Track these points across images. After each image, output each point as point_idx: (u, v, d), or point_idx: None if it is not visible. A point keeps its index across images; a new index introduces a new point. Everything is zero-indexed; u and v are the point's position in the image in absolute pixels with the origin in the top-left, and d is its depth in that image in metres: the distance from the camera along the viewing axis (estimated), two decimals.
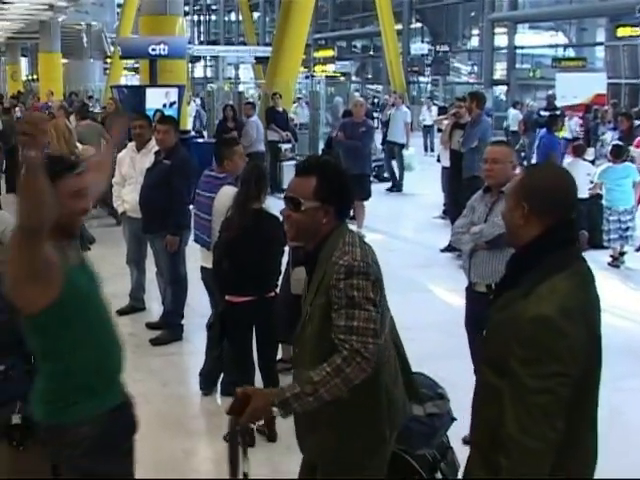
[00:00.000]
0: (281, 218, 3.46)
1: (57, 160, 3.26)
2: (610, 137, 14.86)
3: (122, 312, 8.26)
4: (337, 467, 3.21)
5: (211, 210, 6.15)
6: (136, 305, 8.40)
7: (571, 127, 19.56)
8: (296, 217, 3.11)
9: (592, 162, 13.10)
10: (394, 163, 16.82)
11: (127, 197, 8.00)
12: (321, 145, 16.93)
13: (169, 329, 7.54)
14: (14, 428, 4.31)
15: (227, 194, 5.95)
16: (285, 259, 5.64)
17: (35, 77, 41.91)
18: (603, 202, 10.49)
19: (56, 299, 3.08)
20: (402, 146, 16.60)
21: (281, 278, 5.70)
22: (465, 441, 5.23)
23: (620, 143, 11.36)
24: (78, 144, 9.24)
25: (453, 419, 4.25)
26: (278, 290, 5.60)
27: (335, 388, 2.93)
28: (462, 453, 4.77)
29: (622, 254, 10.59)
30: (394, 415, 3.23)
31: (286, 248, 5.41)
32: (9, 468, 4.39)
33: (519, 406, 2.51)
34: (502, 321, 2.64)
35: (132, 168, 8.02)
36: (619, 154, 10.57)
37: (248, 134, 14.51)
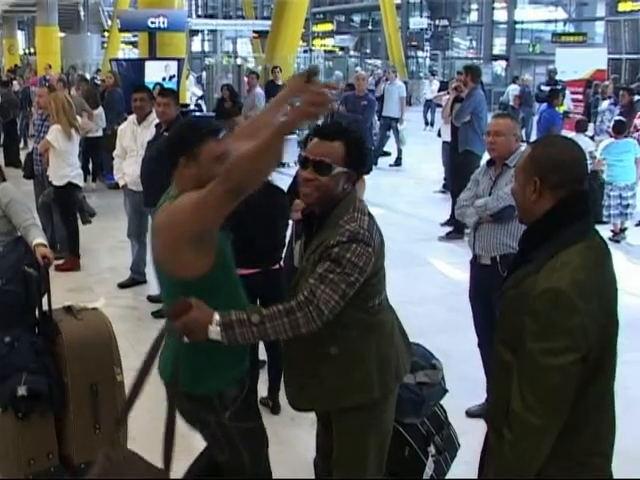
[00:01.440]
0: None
1: (201, 125, 3.23)
2: (609, 113, 14.85)
3: (123, 285, 8.32)
4: (339, 411, 3.27)
5: None
6: (137, 278, 8.41)
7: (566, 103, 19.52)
8: (324, 181, 3.09)
9: (591, 138, 13.09)
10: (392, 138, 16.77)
11: (128, 170, 7.99)
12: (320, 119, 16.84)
13: None
14: (20, 399, 4.35)
15: None
16: (288, 232, 5.63)
17: (32, 51, 41.71)
18: (604, 177, 10.48)
19: (211, 267, 3.07)
20: (397, 120, 16.55)
21: (284, 251, 5.70)
22: (469, 413, 5.31)
23: (622, 119, 11.35)
24: (78, 117, 9.17)
25: (445, 390, 4.25)
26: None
27: (280, 327, 2.92)
28: (466, 424, 4.85)
29: (623, 230, 10.60)
30: (385, 373, 3.26)
31: (289, 221, 5.41)
32: (15, 439, 4.42)
33: (526, 382, 2.50)
34: (515, 297, 2.60)
35: (133, 141, 8.01)
36: (621, 129, 10.56)
37: (255, 106, 14.39)
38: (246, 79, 15.83)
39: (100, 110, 13.08)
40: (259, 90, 14.85)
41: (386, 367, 3.27)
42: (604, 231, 10.29)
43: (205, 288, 3.04)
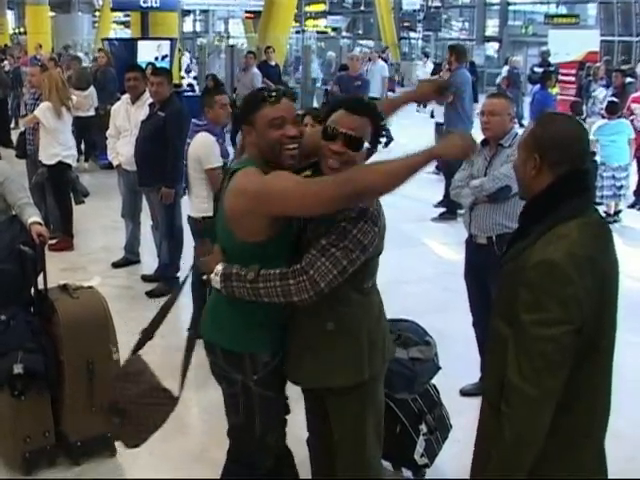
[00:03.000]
0: None
1: (255, 93, 3.23)
2: (602, 94, 14.83)
3: (117, 265, 8.33)
4: (335, 389, 3.29)
5: None
6: (131, 258, 8.41)
7: None
8: (352, 156, 3.07)
9: (584, 120, 13.08)
10: None
11: (122, 150, 7.97)
12: (314, 100, 16.84)
13: (165, 282, 7.55)
14: (16, 378, 4.36)
15: (198, 140, 6.09)
16: None
17: (22, 30, 41.36)
18: (597, 158, 10.50)
19: (269, 239, 3.09)
20: (378, 99, 16.52)
21: None
22: (463, 392, 5.34)
23: (615, 99, 11.35)
24: (73, 96, 9.12)
25: (438, 367, 4.28)
26: None
27: (273, 290, 2.99)
28: (459, 404, 4.88)
29: (617, 212, 10.64)
30: (373, 356, 3.28)
31: None
32: (11, 417, 4.43)
33: (521, 353, 2.52)
34: (512, 270, 2.63)
35: (127, 121, 7.98)
36: (614, 110, 10.57)
37: (253, 85, 14.24)
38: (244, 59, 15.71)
39: (91, 90, 12.99)
40: (256, 70, 14.77)
41: (375, 349, 3.29)
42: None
43: (254, 254, 3.11)
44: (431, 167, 13.27)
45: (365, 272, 3.17)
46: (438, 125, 12.53)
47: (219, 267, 3.10)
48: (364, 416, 3.31)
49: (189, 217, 6.34)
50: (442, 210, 10.81)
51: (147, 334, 3.57)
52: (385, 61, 24.07)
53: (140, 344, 3.59)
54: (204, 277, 3.22)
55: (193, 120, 6.60)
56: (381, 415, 3.44)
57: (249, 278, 3.01)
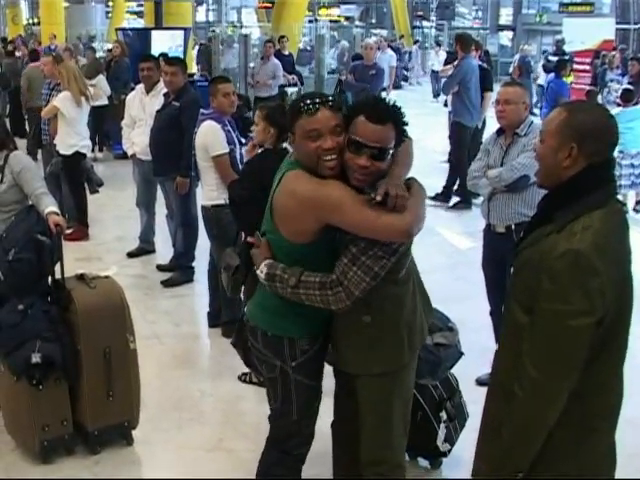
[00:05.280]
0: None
1: (296, 101, 3.20)
2: (617, 83, 14.77)
3: (132, 254, 8.35)
4: (369, 376, 3.33)
5: None
6: (146, 247, 8.44)
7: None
8: (379, 166, 3.05)
9: None
10: None
11: (136, 139, 7.98)
12: (326, 89, 16.77)
13: (180, 271, 7.57)
14: (34, 367, 4.38)
15: (203, 128, 6.11)
16: None
17: (36, 20, 41.40)
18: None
19: (311, 242, 3.14)
20: (385, 89, 16.46)
21: None
22: (479, 382, 5.33)
23: (630, 87, 11.28)
24: (90, 88, 9.11)
25: (461, 353, 4.28)
26: None
27: (313, 298, 3.11)
28: (475, 393, 4.87)
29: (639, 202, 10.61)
30: (412, 338, 3.33)
31: None
32: (29, 406, 4.45)
33: (539, 340, 2.52)
34: (532, 256, 2.61)
35: (141, 110, 7.99)
36: (629, 98, 10.52)
37: (277, 75, 14.28)
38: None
39: (99, 78, 12.87)
40: (275, 60, 14.66)
41: (413, 331, 3.33)
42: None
43: (298, 252, 3.17)
44: (445, 156, 13.31)
45: (398, 264, 3.18)
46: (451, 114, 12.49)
47: (264, 266, 3.19)
48: (391, 399, 3.34)
49: (202, 206, 6.35)
50: (457, 199, 10.80)
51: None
52: (395, 50, 24.05)
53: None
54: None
55: (201, 110, 6.62)
56: (409, 399, 3.48)
57: (291, 284, 3.11)
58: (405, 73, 29.91)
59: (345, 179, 3.10)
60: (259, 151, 5.16)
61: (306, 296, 3.10)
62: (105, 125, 13.60)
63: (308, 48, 24.55)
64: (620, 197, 10.13)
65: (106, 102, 12.97)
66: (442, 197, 10.80)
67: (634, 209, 10.44)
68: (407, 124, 3.13)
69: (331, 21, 37.61)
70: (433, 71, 25.69)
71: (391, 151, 3.09)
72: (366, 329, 3.24)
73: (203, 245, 7.27)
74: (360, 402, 3.39)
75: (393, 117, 3.08)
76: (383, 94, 16.20)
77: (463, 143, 10.69)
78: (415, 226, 3.04)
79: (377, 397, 3.34)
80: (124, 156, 9.71)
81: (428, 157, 13.96)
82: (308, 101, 3.10)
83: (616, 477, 2.81)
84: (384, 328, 3.25)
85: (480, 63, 11.24)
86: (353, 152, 3.03)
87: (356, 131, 3.04)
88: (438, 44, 31.30)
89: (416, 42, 35.03)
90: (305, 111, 3.08)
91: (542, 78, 19.07)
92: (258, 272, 3.21)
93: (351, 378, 3.40)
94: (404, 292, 3.29)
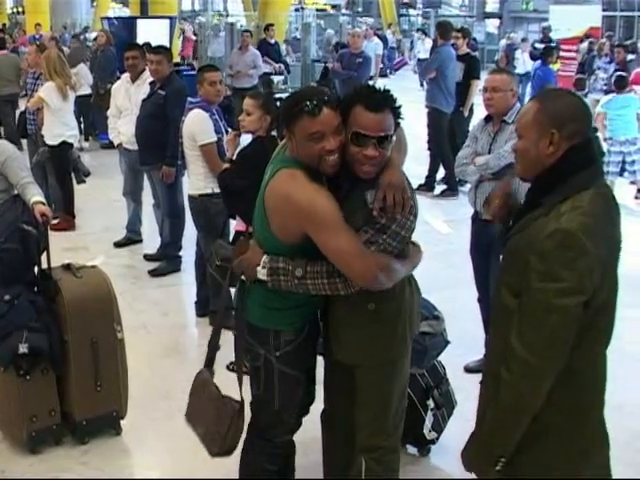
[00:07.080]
0: None
1: (295, 100, 3.10)
2: (603, 71, 14.79)
3: (118, 244, 8.34)
4: (370, 365, 3.34)
5: None
6: (133, 237, 8.42)
7: (524, 60, 19.60)
8: (384, 154, 3.04)
9: (585, 96, 13.03)
10: None
11: (123, 129, 7.95)
12: (312, 77, 16.76)
13: (167, 260, 7.56)
14: (21, 357, 4.36)
15: (191, 117, 6.10)
16: None
17: (20, 10, 41.09)
18: (600, 135, 10.44)
19: (302, 242, 3.11)
20: (371, 77, 16.46)
21: None
22: (467, 369, 5.35)
23: (623, 74, 11.31)
24: (73, 77, 9.03)
25: (447, 342, 4.29)
26: None
27: (320, 286, 3.09)
28: (464, 381, 4.89)
29: None
30: (412, 327, 3.38)
31: None
32: (16, 397, 4.44)
33: (528, 321, 2.52)
34: (521, 241, 2.61)
35: (127, 100, 7.97)
36: (622, 84, 10.55)
37: (257, 65, 14.25)
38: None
39: (80, 67, 12.69)
40: (254, 50, 14.62)
41: (412, 319, 3.37)
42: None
43: (291, 251, 3.13)
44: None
45: (400, 254, 3.18)
46: None
47: (265, 259, 3.13)
48: (391, 385, 3.37)
49: (189, 196, 6.32)
50: (443, 187, 10.82)
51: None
52: (381, 38, 24.01)
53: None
54: (242, 277, 3.29)
55: (189, 99, 6.58)
56: (406, 385, 3.51)
57: (297, 275, 3.07)
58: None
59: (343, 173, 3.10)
60: (250, 139, 5.14)
61: (313, 286, 3.08)
62: (90, 114, 13.51)
63: (298, 36, 24.50)
64: (608, 183, 10.26)
65: (89, 91, 12.87)
66: (425, 187, 10.82)
67: (635, 197, 10.48)
68: (401, 107, 3.11)
69: (318, 9, 37.47)
70: (419, 59, 25.62)
71: (394, 137, 3.07)
72: (370, 317, 3.24)
73: (190, 234, 7.26)
74: (359, 391, 3.39)
75: (389, 103, 3.06)
76: (370, 82, 16.24)
77: (442, 129, 10.74)
78: (375, 279, 3.02)
79: (378, 386, 3.35)
80: (110, 146, 9.65)
81: (415, 146, 13.91)
82: (308, 102, 3.01)
83: (611, 468, 2.80)
84: (388, 316, 3.26)
85: (468, 51, 11.24)
86: (359, 145, 3.01)
87: (358, 123, 3.01)
88: (424, 32, 31.26)
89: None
90: (307, 112, 3.00)
91: (528, 65, 19.07)
92: (259, 268, 3.14)
93: (348, 367, 3.40)
94: (405, 279, 3.30)
